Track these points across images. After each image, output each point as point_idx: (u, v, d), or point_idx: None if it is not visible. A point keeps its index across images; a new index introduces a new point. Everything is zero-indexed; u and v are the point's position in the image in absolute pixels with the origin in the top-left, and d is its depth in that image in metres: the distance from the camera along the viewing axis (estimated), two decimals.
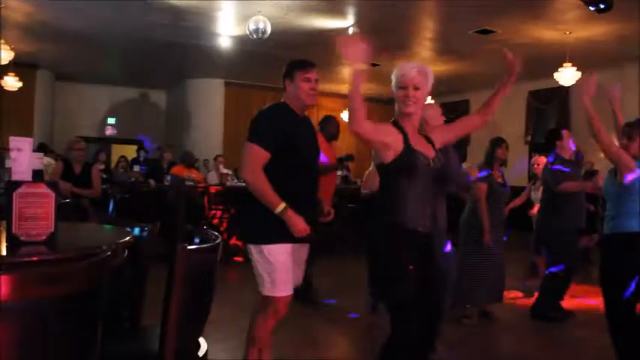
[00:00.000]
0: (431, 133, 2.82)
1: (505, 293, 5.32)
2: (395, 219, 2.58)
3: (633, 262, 3.32)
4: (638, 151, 3.47)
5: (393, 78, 2.67)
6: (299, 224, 2.81)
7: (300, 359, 4.13)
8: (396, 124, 2.66)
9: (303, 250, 3.19)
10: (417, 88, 2.60)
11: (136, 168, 10.95)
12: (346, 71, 12.84)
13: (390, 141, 2.58)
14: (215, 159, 11.04)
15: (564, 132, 5.44)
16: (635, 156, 3.45)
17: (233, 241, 8.41)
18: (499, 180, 5.09)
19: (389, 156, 2.59)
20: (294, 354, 4.22)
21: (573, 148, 5.40)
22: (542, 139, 10.05)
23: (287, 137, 2.94)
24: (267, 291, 3.05)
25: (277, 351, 4.19)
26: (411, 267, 2.52)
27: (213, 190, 8.61)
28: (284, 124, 2.96)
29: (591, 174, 9.28)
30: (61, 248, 1.85)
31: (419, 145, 2.65)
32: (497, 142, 5.15)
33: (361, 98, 2.56)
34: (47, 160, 8.10)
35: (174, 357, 1.81)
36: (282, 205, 2.82)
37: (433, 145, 2.72)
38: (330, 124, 5.70)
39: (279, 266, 2.99)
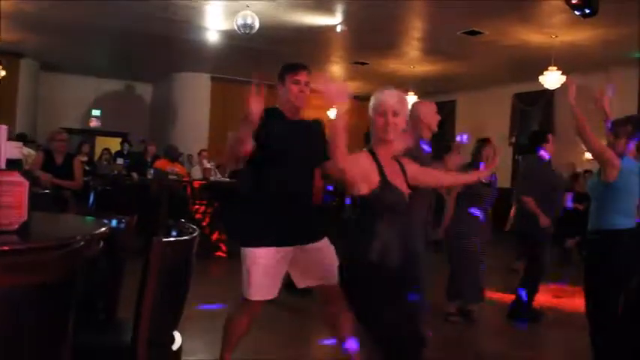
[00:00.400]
0: (407, 164, 2.71)
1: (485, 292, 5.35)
2: (368, 257, 2.48)
3: (617, 259, 3.33)
4: (623, 148, 3.48)
5: (371, 104, 2.58)
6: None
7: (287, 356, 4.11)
8: (372, 153, 2.57)
9: (315, 252, 3.10)
10: (396, 114, 2.52)
11: (120, 161, 10.86)
12: (335, 69, 12.85)
13: (364, 174, 2.50)
14: (199, 153, 10.99)
15: (549, 136, 5.46)
16: (621, 154, 3.46)
17: (215, 236, 8.38)
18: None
19: (362, 189, 2.50)
20: (280, 350, 4.21)
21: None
22: (527, 141, 10.16)
23: (271, 140, 2.95)
24: (243, 291, 3.08)
25: (268, 347, 4.19)
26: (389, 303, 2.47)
27: (196, 184, 8.56)
28: (270, 128, 2.96)
29: (575, 176, 9.35)
30: (34, 238, 1.82)
31: (394, 177, 2.57)
32: (483, 143, 5.17)
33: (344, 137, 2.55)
34: (27, 150, 8.02)
35: (148, 349, 1.79)
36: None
37: (405, 176, 2.65)
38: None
39: (255, 270, 3.00)
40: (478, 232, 5.05)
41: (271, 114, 3.04)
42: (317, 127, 3.17)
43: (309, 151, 3.05)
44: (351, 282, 2.53)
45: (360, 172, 2.49)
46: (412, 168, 2.71)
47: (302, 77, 3.03)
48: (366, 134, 5.87)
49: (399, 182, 2.58)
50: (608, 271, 3.38)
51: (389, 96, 2.56)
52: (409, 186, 2.63)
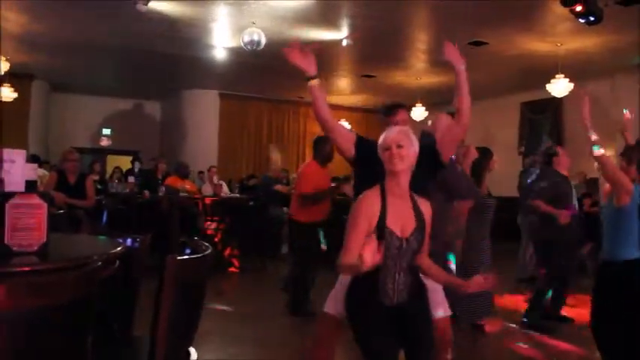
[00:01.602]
0: (422, 204, 2.67)
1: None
2: (364, 294, 2.55)
3: (629, 289, 3.24)
4: (636, 174, 3.42)
5: (379, 144, 2.63)
6: None
7: None
8: (382, 190, 2.60)
9: None
10: (400, 146, 2.53)
11: (131, 179, 10.94)
12: (342, 82, 12.93)
13: (369, 214, 2.53)
14: (209, 170, 11.06)
15: (559, 148, 5.55)
16: (634, 179, 3.40)
17: (228, 251, 8.43)
18: (485, 191, 5.09)
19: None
20: None
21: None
22: (535, 150, 10.16)
23: (364, 162, 3.06)
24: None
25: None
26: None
27: (207, 200, 8.64)
28: (366, 146, 3.03)
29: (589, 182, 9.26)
30: (53, 258, 1.87)
31: (397, 217, 2.56)
32: (488, 155, 5.17)
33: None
34: (41, 171, 8.12)
35: None
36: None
37: (418, 216, 2.61)
38: (325, 145, 5.58)
39: (338, 281, 3.03)
40: (487, 251, 5.01)
41: (369, 143, 3.07)
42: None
43: None
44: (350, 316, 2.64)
45: (367, 211, 2.54)
46: (425, 209, 2.67)
47: (400, 117, 3.10)
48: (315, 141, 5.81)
49: (400, 223, 2.56)
50: (618, 302, 3.30)
51: (390, 132, 2.62)
52: (420, 222, 2.61)
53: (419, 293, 2.65)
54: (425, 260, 2.72)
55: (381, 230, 2.51)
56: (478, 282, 2.60)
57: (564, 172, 5.54)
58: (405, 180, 2.59)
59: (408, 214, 2.59)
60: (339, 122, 3.20)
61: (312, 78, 2.94)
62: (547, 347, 4.91)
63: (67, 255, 2.03)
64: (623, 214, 3.34)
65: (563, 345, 4.99)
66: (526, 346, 4.93)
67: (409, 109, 13.35)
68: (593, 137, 3.45)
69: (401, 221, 2.56)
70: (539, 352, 4.78)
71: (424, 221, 2.61)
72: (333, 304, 3.00)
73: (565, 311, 5.76)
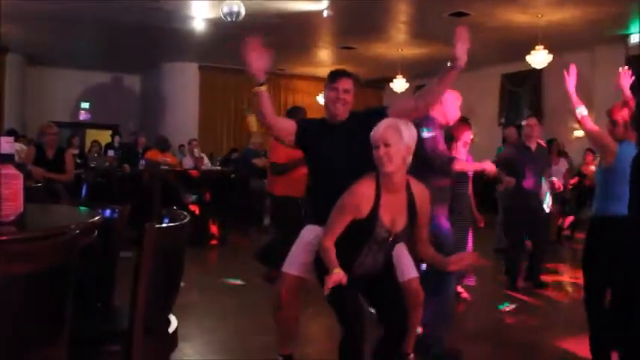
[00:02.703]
0: (419, 195, 2.66)
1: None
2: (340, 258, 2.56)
3: (616, 245, 3.27)
4: (622, 133, 3.44)
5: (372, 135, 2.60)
6: None
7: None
8: (377, 182, 2.57)
9: None
10: (387, 145, 2.47)
11: (111, 153, 10.86)
12: (322, 54, 12.85)
13: (361, 206, 2.54)
14: (189, 143, 11.00)
15: (526, 120, 5.99)
16: (620, 139, 3.42)
17: (209, 224, 8.43)
18: None
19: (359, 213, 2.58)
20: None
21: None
22: (516, 121, 10.25)
23: (308, 144, 3.07)
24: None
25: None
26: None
27: (188, 173, 8.63)
28: (307, 132, 3.06)
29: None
30: (30, 228, 1.86)
31: (390, 210, 2.57)
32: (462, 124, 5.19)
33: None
34: (19, 145, 8.02)
35: (144, 333, 1.85)
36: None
37: (411, 210, 2.62)
38: (297, 114, 5.50)
39: (297, 243, 3.09)
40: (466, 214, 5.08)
41: (310, 122, 3.17)
42: (362, 125, 2.83)
43: (341, 152, 2.97)
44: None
45: (359, 203, 2.54)
46: (422, 203, 2.67)
47: (339, 85, 3.03)
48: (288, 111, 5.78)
49: (392, 216, 2.58)
50: (597, 259, 3.35)
51: (378, 128, 2.55)
52: (412, 217, 2.64)
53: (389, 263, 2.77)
54: (429, 250, 2.75)
55: (373, 220, 2.54)
56: (457, 260, 2.66)
57: (531, 144, 5.70)
58: (398, 178, 2.54)
59: (401, 209, 2.60)
60: (281, 119, 3.25)
61: (262, 84, 2.95)
62: (520, 309, 5.03)
63: (44, 224, 2.03)
64: (610, 175, 3.41)
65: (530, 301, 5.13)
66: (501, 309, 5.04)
67: (389, 81, 13.33)
68: (578, 109, 3.50)
69: (392, 215, 2.58)
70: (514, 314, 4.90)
71: (416, 215, 2.63)
72: (294, 264, 3.04)
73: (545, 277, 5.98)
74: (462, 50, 2.80)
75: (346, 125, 3.02)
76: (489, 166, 3.99)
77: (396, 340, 2.69)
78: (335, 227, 2.56)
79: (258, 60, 2.92)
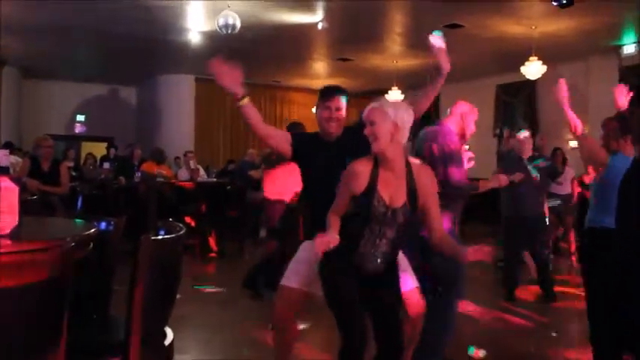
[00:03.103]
0: (422, 175, 2.64)
1: None
2: (342, 253, 2.57)
3: (608, 257, 3.25)
4: (616, 146, 3.44)
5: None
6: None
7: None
8: (375, 159, 2.59)
9: None
10: (372, 123, 2.53)
11: (106, 165, 10.85)
12: (318, 66, 12.89)
13: (360, 178, 2.56)
14: (185, 155, 11.00)
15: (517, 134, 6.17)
16: (614, 151, 3.42)
17: (206, 237, 8.42)
18: None
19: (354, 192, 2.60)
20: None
21: None
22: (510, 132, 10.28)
23: (303, 158, 3.09)
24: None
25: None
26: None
27: (184, 186, 8.62)
28: (304, 145, 3.09)
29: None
30: (25, 240, 1.86)
31: (387, 186, 2.56)
32: None
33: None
34: (14, 158, 8.00)
35: (140, 345, 1.84)
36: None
37: (411, 191, 2.59)
38: (297, 130, 5.50)
39: (295, 258, 3.09)
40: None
41: (305, 137, 3.19)
42: (356, 138, 2.84)
43: (335, 170, 2.89)
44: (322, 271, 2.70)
45: (355, 182, 2.56)
46: (424, 183, 2.63)
47: (332, 103, 3.04)
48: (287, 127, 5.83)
49: (391, 192, 2.56)
50: (593, 271, 3.35)
51: (367, 108, 2.61)
52: (412, 195, 2.59)
53: (392, 270, 2.69)
54: (445, 238, 2.68)
55: (370, 193, 2.53)
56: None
57: (523, 155, 5.87)
58: (392, 155, 2.54)
59: (399, 187, 2.58)
60: (273, 128, 3.24)
61: (242, 98, 2.96)
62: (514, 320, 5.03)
63: (40, 237, 2.02)
64: (600, 187, 3.43)
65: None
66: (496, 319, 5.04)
67: (385, 93, 13.39)
68: (576, 128, 3.52)
69: (390, 191, 2.56)
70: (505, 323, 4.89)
71: (416, 196, 2.59)
72: (293, 277, 3.02)
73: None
74: (443, 59, 3.10)
75: (341, 141, 3.04)
76: (504, 180, 4.02)
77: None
78: (337, 201, 2.60)
79: (228, 77, 2.92)
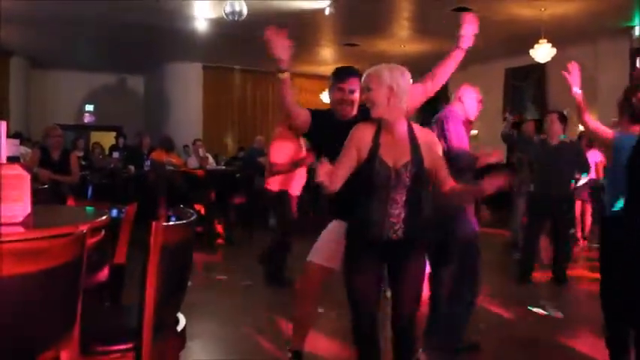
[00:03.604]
0: (424, 138, 2.66)
1: None
2: (359, 226, 2.61)
3: (610, 243, 3.22)
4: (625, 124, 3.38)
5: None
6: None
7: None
8: (378, 124, 2.62)
9: None
10: (369, 89, 2.59)
11: (115, 154, 10.89)
12: (325, 51, 12.83)
13: (359, 144, 2.58)
14: (194, 143, 11.01)
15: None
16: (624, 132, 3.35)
17: (215, 224, 8.44)
18: None
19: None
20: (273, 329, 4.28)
21: None
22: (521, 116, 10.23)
23: (321, 138, 3.11)
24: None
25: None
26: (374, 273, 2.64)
27: (196, 173, 8.65)
28: (321, 127, 3.08)
29: None
30: (38, 227, 1.87)
31: (390, 149, 2.56)
32: None
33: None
34: (24, 149, 8.03)
35: (153, 331, 1.85)
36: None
37: (414, 150, 2.59)
38: None
39: (322, 235, 3.15)
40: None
41: (321, 115, 3.15)
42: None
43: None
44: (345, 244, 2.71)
45: (357, 145, 2.58)
46: (426, 141, 2.65)
47: (349, 85, 3.04)
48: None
49: (394, 153, 2.55)
50: (611, 258, 3.25)
51: (364, 75, 2.67)
52: (416, 156, 2.58)
53: (416, 242, 2.64)
54: (455, 187, 2.68)
55: (372, 158, 2.54)
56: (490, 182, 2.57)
57: (552, 140, 5.80)
58: (392, 118, 2.57)
59: (402, 149, 2.58)
60: (299, 107, 3.20)
61: (285, 71, 2.97)
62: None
63: (52, 224, 2.03)
64: (610, 172, 3.39)
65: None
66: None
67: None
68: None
69: (393, 154, 2.56)
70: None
71: (420, 154, 2.58)
72: (318, 253, 3.10)
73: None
74: (467, 29, 3.04)
75: (357, 121, 3.01)
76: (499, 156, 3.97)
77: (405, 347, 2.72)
78: (337, 167, 2.57)
79: (281, 48, 2.94)
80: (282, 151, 5.62)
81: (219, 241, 8.34)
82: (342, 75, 3.09)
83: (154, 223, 1.81)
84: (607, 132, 3.40)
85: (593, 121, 3.51)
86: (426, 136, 2.67)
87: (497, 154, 3.79)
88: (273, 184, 5.72)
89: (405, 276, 2.64)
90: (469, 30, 3.05)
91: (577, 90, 3.56)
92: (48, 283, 1.56)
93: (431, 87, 3.07)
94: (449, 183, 2.67)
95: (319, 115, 3.13)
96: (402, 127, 2.60)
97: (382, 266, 2.69)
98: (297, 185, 5.80)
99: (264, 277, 5.75)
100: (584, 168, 6.20)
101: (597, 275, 3.57)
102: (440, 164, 2.67)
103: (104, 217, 2.02)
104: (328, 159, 2.85)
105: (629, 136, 3.13)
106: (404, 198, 2.56)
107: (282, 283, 5.58)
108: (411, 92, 2.79)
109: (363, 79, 2.66)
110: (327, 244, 3.06)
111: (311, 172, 6.34)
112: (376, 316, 2.65)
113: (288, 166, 5.60)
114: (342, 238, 2.74)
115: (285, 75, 2.97)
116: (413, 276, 2.65)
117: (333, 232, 3.05)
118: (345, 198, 2.67)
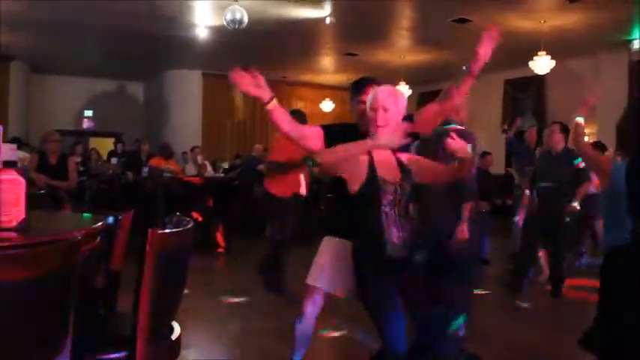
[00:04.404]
0: (406, 157, 2.76)
1: None
2: (368, 245, 2.61)
3: (611, 281, 2.86)
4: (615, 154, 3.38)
5: (367, 100, 2.71)
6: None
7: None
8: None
9: None
10: (385, 110, 2.63)
11: (114, 160, 10.87)
12: (325, 61, 12.86)
13: (354, 170, 2.59)
14: (192, 150, 11.00)
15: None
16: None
17: (213, 232, 8.42)
18: None
19: (355, 184, 2.60)
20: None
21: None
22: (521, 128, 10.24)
23: None
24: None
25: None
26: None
27: (191, 181, 8.62)
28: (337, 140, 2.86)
29: None
30: (32, 233, 1.85)
31: (385, 168, 2.63)
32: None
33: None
34: (22, 153, 8.01)
35: (147, 340, 1.83)
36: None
37: (401, 166, 2.68)
38: (297, 119, 5.41)
39: (323, 255, 3.03)
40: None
41: (341, 131, 3.00)
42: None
43: None
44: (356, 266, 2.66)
45: (352, 169, 2.59)
46: (411, 160, 2.74)
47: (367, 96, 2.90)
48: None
49: (389, 171, 2.62)
50: (605, 296, 2.92)
51: (380, 92, 2.68)
52: (404, 171, 2.67)
53: (437, 257, 2.75)
54: (448, 169, 2.85)
55: (373, 179, 2.56)
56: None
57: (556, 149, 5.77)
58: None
59: (392, 165, 2.66)
60: (304, 127, 3.09)
61: (270, 101, 2.75)
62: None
63: (46, 230, 2.01)
64: (605, 199, 3.32)
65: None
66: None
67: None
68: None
69: (387, 171, 2.62)
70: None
71: (408, 170, 2.67)
72: (323, 279, 2.98)
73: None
74: (485, 49, 2.95)
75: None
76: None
77: None
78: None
79: (251, 84, 2.72)
80: (285, 150, 5.50)
81: (220, 249, 8.32)
82: (361, 86, 3.03)
83: (149, 230, 1.79)
84: (601, 160, 3.40)
85: (590, 148, 3.51)
86: (401, 155, 2.75)
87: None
88: (275, 187, 5.63)
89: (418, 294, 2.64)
90: (486, 49, 2.92)
91: (580, 119, 3.54)
92: (40, 289, 1.54)
93: (447, 108, 3.11)
94: (436, 167, 2.83)
95: (337, 131, 2.93)
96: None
97: (395, 287, 2.65)
98: (299, 187, 5.69)
99: (264, 285, 5.71)
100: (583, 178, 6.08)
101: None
102: (422, 161, 2.79)
103: (99, 224, 2.00)
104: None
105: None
106: (406, 209, 2.62)
107: (281, 291, 5.54)
108: (427, 112, 3.00)
109: (380, 95, 2.66)
110: (333, 271, 2.93)
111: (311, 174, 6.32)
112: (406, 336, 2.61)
113: (289, 166, 5.47)
114: (346, 264, 2.71)
115: (271, 105, 2.75)
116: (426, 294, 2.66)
117: (334, 256, 2.93)
118: (343, 215, 2.68)
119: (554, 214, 5.64)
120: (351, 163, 2.59)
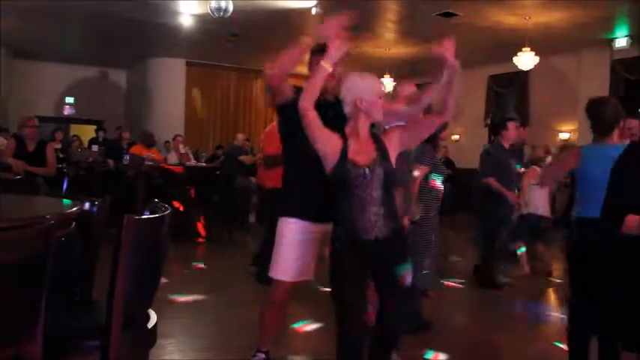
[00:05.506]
0: (386, 135, 2.79)
1: None
2: (343, 230, 2.62)
3: (572, 248, 3.39)
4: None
5: (368, 86, 2.71)
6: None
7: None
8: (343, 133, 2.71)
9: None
10: (380, 97, 2.72)
11: (95, 148, 10.75)
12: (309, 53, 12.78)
13: (329, 151, 2.62)
14: (174, 139, 10.91)
15: (510, 123, 5.86)
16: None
17: (194, 221, 8.37)
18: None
19: (328, 167, 2.63)
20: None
21: None
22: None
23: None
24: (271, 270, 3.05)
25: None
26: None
27: (173, 169, 8.55)
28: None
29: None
30: (5, 217, 1.81)
31: (358, 151, 2.63)
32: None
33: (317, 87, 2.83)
34: (1, 139, 7.90)
35: (122, 327, 1.80)
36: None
37: (381, 149, 2.68)
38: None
39: (281, 242, 2.98)
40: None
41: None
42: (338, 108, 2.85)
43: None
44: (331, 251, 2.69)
45: (327, 149, 2.64)
46: (396, 135, 2.79)
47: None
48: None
49: (362, 154, 2.62)
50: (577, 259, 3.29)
51: (377, 82, 2.80)
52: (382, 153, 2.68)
53: (397, 232, 2.69)
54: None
55: (343, 162, 2.59)
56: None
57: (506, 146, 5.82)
58: (367, 125, 2.73)
59: (368, 148, 2.67)
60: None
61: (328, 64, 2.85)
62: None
63: (19, 214, 1.97)
64: (575, 180, 3.48)
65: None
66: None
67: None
68: None
69: (362, 154, 2.63)
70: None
71: (385, 150, 2.69)
72: (286, 270, 2.98)
73: None
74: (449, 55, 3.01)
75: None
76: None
77: (389, 341, 2.74)
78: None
79: (338, 48, 2.88)
80: (274, 143, 5.40)
81: (199, 239, 8.27)
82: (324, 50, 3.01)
83: (125, 216, 1.76)
84: (568, 162, 3.50)
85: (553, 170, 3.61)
86: (384, 135, 2.82)
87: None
88: (269, 180, 5.56)
89: (393, 278, 2.64)
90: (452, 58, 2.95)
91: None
92: (11, 276, 1.50)
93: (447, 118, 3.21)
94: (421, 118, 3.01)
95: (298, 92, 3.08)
96: (366, 131, 2.72)
97: (369, 273, 2.68)
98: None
99: (256, 276, 5.58)
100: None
101: None
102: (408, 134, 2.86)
103: (74, 209, 1.95)
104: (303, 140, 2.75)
105: (595, 146, 3.30)
106: (379, 194, 2.61)
107: (270, 281, 5.47)
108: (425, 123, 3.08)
109: (380, 86, 2.79)
110: (296, 262, 2.94)
111: None
112: (365, 325, 2.62)
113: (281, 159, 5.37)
114: (307, 250, 2.84)
115: (328, 66, 2.86)
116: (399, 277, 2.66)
117: (294, 244, 2.94)
118: (307, 194, 2.77)
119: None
120: (327, 144, 2.62)
